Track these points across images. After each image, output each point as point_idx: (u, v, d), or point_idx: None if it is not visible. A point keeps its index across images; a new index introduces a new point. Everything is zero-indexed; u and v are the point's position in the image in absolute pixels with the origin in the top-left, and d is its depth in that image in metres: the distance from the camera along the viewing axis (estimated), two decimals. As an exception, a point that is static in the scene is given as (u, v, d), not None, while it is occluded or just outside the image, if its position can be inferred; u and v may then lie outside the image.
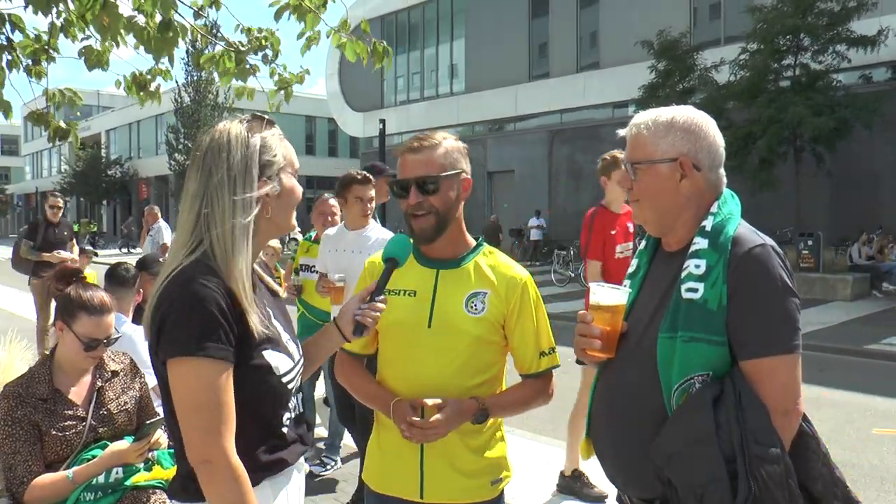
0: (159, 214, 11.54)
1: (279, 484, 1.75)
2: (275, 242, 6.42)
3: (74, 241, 9.28)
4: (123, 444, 2.71)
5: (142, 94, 4.46)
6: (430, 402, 1.98)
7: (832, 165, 16.47)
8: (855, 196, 18.41)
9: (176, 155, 36.67)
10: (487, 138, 28.41)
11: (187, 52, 30.67)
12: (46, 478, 2.60)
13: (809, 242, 15.25)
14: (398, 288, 2.13)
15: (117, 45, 4.06)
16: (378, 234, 4.39)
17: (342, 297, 4.24)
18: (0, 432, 2.61)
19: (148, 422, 2.79)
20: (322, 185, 40.98)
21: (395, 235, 2.10)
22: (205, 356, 1.55)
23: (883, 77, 18.18)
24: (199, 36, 4.33)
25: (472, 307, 2.08)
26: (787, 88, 16.16)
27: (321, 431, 5.49)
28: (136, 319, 4.21)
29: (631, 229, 4.69)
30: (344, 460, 5.25)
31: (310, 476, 5.04)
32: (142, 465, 2.75)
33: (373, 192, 4.43)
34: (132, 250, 33.52)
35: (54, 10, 3.82)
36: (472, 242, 2.20)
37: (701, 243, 1.76)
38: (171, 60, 4.16)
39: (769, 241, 1.75)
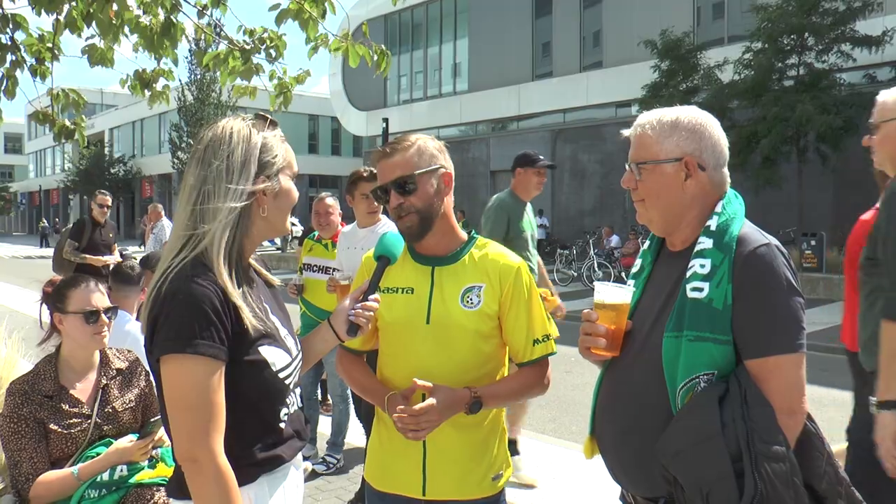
0: (163, 212, 11.57)
1: (276, 480, 1.75)
2: None
3: (115, 244, 8.84)
4: (128, 441, 2.72)
5: (150, 94, 4.47)
6: (419, 382, 1.97)
7: (836, 165, 16.46)
8: (858, 196, 18.34)
9: (179, 153, 36.71)
10: (490, 137, 28.42)
11: (190, 50, 30.72)
12: (51, 475, 2.62)
13: (812, 242, 15.24)
14: (396, 286, 2.16)
15: (117, 42, 4.07)
16: (388, 230, 4.38)
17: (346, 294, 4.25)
18: (6, 429, 2.63)
19: (152, 419, 2.80)
20: (325, 184, 41.02)
21: (387, 233, 2.11)
22: (196, 353, 1.55)
23: (887, 77, 18.14)
24: (203, 35, 4.34)
25: (468, 301, 2.10)
26: (791, 88, 16.14)
27: (325, 430, 5.49)
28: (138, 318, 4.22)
29: None
30: (347, 459, 5.25)
31: (313, 475, 5.05)
32: (146, 463, 2.76)
33: None
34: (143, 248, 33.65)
35: (58, 9, 3.84)
36: (465, 237, 2.22)
37: (706, 243, 1.77)
38: (174, 61, 4.17)
39: (774, 240, 1.76)
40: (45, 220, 49.20)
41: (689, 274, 1.76)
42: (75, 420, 2.72)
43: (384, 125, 22.50)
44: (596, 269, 17.70)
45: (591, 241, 19.73)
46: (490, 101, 27.87)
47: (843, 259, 2.88)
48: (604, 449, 1.97)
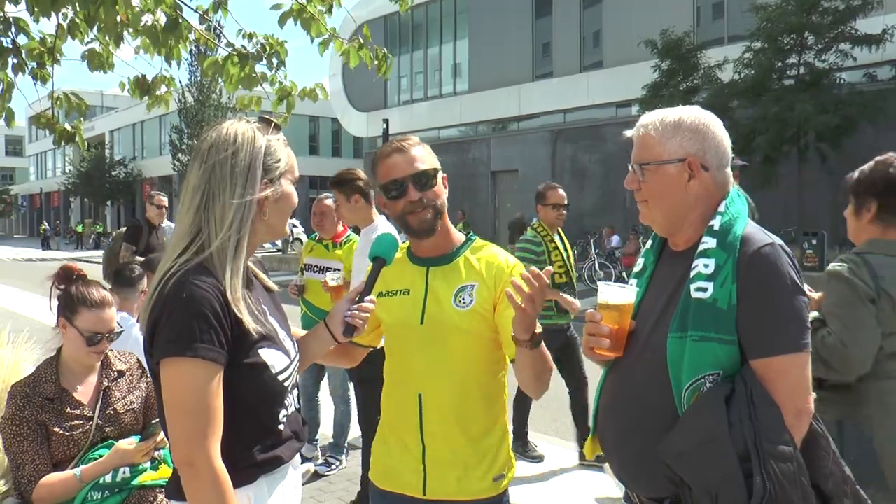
0: (165, 215, 11.56)
1: (275, 481, 1.76)
2: None
3: None
4: (130, 442, 2.72)
5: (150, 100, 4.47)
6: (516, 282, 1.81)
7: (836, 164, 16.44)
8: (859, 195, 18.36)
9: (180, 155, 36.71)
10: (491, 138, 28.41)
11: (191, 52, 30.71)
12: (54, 477, 2.62)
13: (813, 242, 15.21)
14: (394, 289, 2.19)
15: (118, 46, 4.07)
16: (383, 230, 4.34)
17: (340, 296, 4.25)
18: (8, 432, 2.63)
19: (154, 421, 2.80)
20: (325, 186, 40.98)
21: (380, 235, 2.12)
22: (195, 357, 1.55)
23: (887, 76, 18.14)
24: (204, 40, 4.34)
25: (460, 301, 2.10)
26: (792, 87, 16.14)
27: (326, 432, 5.50)
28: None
29: None
30: (349, 460, 5.26)
31: (315, 476, 5.05)
32: (148, 465, 2.77)
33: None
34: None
35: (60, 13, 3.84)
36: (461, 238, 2.23)
37: (709, 242, 1.77)
38: (179, 62, 4.17)
39: (777, 240, 1.76)
40: (46, 223, 49.24)
41: (692, 274, 1.76)
42: (77, 422, 2.72)
43: (384, 126, 22.48)
44: (597, 269, 17.71)
45: (591, 241, 19.72)
46: (490, 101, 27.86)
47: None
48: (606, 449, 1.97)
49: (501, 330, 2.11)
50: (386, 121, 22.76)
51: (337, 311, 1.99)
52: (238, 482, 1.63)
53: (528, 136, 27.16)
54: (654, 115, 1.89)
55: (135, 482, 2.70)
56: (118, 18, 3.68)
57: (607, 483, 4.58)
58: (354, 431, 5.29)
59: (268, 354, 1.69)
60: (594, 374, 2.10)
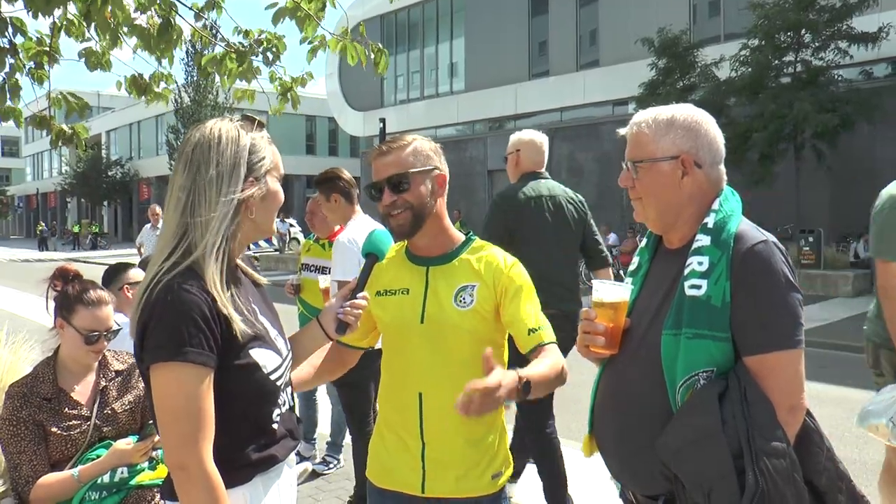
0: (161, 214, 11.57)
1: (270, 480, 1.76)
2: None
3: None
4: (128, 443, 2.72)
5: (149, 96, 4.46)
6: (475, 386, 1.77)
7: (833, 162, 16.48)
8: (856, 192, 18.38)
9: (176, 155, 36.64)
10: (487, 137, 28.40)
11: (187, 52, 30.66)
12: (51, 477, 2.62)
13: (810, 239, 15.25)
14: (393, 288, 2.19)
15: (116, 45, 4.06)
16: (359, 228, 4.18)
17: (329, 297, 4.26)
18: (5, 432, 2.63)
19: (151, 421, 2.80)
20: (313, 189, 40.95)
21: (374, 230, 2.11)
22: (185, 361, 1.55)
23: (883, 73, 18.18)
24: (200, 37, 4.33)
25: (460, 301, 2.10)
26: (788, 85, 16.17)
27: (324, 430, 5.50)
28: None
29: None
30: (346, 459, 5.26)
31: (313, 475, 5.06)
32: (146, 465, 2.77)
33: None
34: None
35: (56, 12, 3.83)
36: (461, 238, 2.23)
37: (703, 240, 1.77)
38: (170, 61, 4.17)
39: (771, 237, 1.77)
40: (43, 224, 49.15)
41: (687, 271, 1.76)
42: (74, 422, 2.72)
43: (381, 125, 22.49)
44: (594, 267, 17.67)
45: (588, 239, 19.70)
46: (487, 100, 27.86)
47: None
48: (603, 447, 1.98)
49: (511, 329, 2.13)
50: (382, 120, 22.76)
51: (330, 308, 2.00)
52: (233, 482, 1.64)
53: (525, 134, 27.15)
54: (648, 114, 1.90)
55: (132, 482, 2.70)
56: (108, 20, 3.67)
57: (604, 481, 4.58)
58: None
59: (259, 354, 1.69)
60: (590, 372, 2.11)
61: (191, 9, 4.22)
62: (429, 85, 31.51)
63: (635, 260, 2.07)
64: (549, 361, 2.00)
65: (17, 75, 4.07)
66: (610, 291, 1.88)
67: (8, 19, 3.91)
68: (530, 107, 26.60)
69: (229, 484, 1.62)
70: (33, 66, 4.09)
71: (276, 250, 27.59)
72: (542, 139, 4.35)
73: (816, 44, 16.12)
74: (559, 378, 2.00)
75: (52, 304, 2.84)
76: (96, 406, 2.80)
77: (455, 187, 2.31)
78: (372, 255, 2.07)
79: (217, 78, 4.41)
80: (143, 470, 2.75)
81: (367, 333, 2.30)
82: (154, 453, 2.81)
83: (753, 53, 16.65)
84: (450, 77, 30.45)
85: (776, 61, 16.45)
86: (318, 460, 5.22)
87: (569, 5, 25.45)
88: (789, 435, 1.64)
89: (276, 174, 1.79)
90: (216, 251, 1.65)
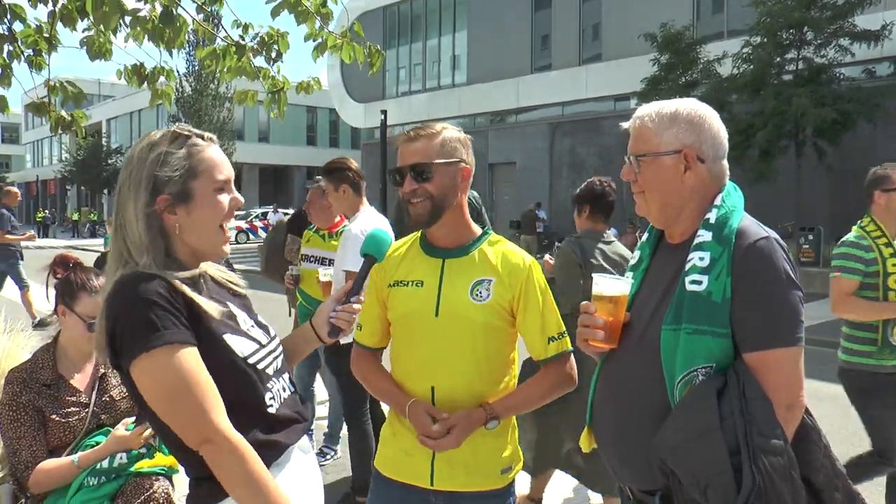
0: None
1: (280, 467, 1.72)
2: None
3: None
4: (125, 422, 2.73)
5: (152, 94, 4.45)
6: (445, 415, 2.03)
7: (833, 160, 16.46)
8: (856, 191, 18.33)
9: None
10: (489, 130, 28.36)
11: (188, 41, 30.53)
12: (50, 463, 2.63)
13: (810, 237, 15.24)
14: (406, 279, 2.17)
15: (115, 35, 4.04)
16: (365, 221, 4.19)
17: (329, 292, 4.24)
18: (5, 417, 2.63)
19: None
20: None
21: (372, 231, 2.07)
22: (164, 343, 1.53)
23: (886, 72, 18.14)
24: (202, 30, 4.31)
25: (476, 295, 2.10)
26: (790, 82, 16.14)
27: (322, 422, 5.50)
28: None
29: None
30: (343, 450, 5.26)
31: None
32: (145, 451, 2.77)
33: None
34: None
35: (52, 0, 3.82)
36: (478, 231, 2.22)
37: (705, 236, 1.77)
38: (180, 49, 4.14)
39: (773, 233, 1.76)
40: (46, 211, 49.07)
41: (688, 267, 1.76)
42: (73, 409, 2.72)
43: (382, 117, 22.42)
44: (593, 262, 17.68)
45: (588, 234, 19.72)
46: (489, 93, 27.81)
47: None
48: (601, 441, 1.98)
49: (524, 335, 2.16)
50: (384, 112, 22.67)
51: (323, 310, 1.96)
52: None
53: (527, 128, 27.12)
54: (651, 107, 1.89)
55: (131, 469, 2.71)
56: (105, 9, 3.65)
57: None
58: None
59: (232, 340, 1.67)
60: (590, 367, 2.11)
61: (193, 0, 4.20)
62: (430, 77, 31.44)
63: (636, 254, 2.06)
64: (545, 387, 2.18)
65: (15, 62, 4.06)
66: (610, 285, 1.87)
67: (7, 6, 3.89)
68: (532, 101, 26.56)
69: None
70: (31, 53, 4.07)
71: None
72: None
73: (818, 41, 16.08)
74: (553, 395, 2.20)
75: (52, 291, 2.84)
76: (95, 393, 2.80)
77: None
78: (370, 257, 2.02)
79: (218, 70, 4.39)
80: (142, 457, 2.75)
81: (378, 332, 2.27)
82: (152, 440, 2.82)
83: (755, 51, 16.61)
84: (452, 70, 30.38)
85: (778, 58, 16.41)
86: (315, 451, 5.22)
87: (572, -1, 25.41)
88: (787, 432, 1.64)
89: (211, 186, 1.70)
90: (152, 261, 1.63)
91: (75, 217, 46.64)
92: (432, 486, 2.12)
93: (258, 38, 4.24)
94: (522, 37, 27.01)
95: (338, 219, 5.02)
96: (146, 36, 3.95)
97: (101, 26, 3.85)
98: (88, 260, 3.15)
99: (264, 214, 34.65)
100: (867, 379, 3.76)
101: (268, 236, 6.34)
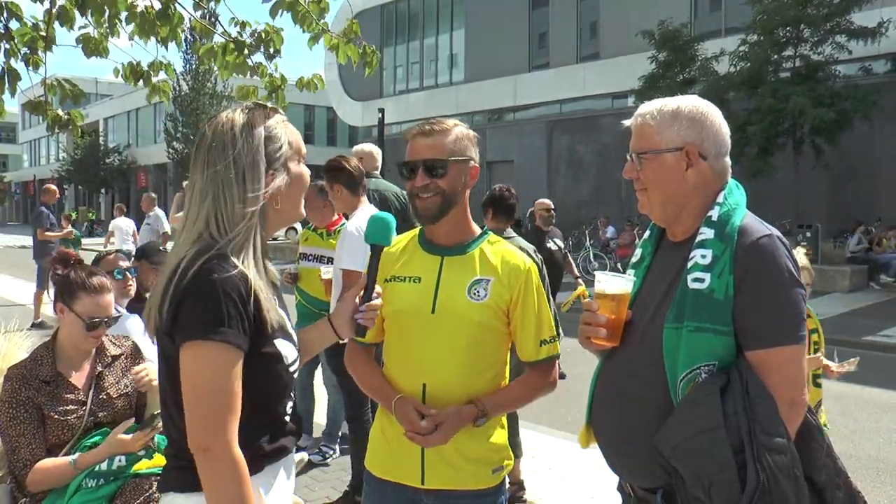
0: (156, 202, 11.54)
1: (278, 469, 1.76)
2: None
3: None
4: (124, 430, 2.72)
5: (149, 90, 4.43)
6: (433, 411, 2.03)
7: (831, 157, 16.48)
8: (853, 188, 18.42)
9: (174, 143, 36.57)
10: (487, 128, 28.36)
11: (186, 40, 30.48)
12: (49, 462, 2.62)
13: (808, 234, 15.26)
14: (403, 275, 2.15)
15: (112, 33, 4.03)
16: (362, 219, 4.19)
17: (330, 290, 4.23)
18: (4, 414, 2.62)
19: (154, 412, 2.79)
20: (320, 175, 40.93)
21: (374, 216, 2.01)
22: (221, 341, 1.53)
23: (883, 69, 18.16)
24: (199, 27, 4.30)
25: (474, 294, 2.10)
26: (787, 79, 16.15)
27: (320, 420, 5.49)
28: (134, 311, 4.18)
29: None
30: (342, 450, 5.26)
31: (309, 465, 5.05)
32: (143, 453, 2.76)
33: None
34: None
35: None
36: (478, 230, 2.22)
37: (707, 233, 1.76)
38: (178, 43, 4.12)
39: (775, 231, 1.76)
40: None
41: (690, 264, 1.75)
42: (72, 407, 2.71)
43: (380, 116, 22.39)
44: (592, 259, 17.72)
45: (587, 231, 19.74)
46: (486, 91, 27.80)
47: None
48: (602, 439, 1.97)
49: (516, 336, 2.16)
50: (381, 110, 22.65)
51: (343, 310, 1.93)
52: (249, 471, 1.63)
53: (524, 126, 27.12)
54: (653, 105, 1.89)
55: (130, 470, 2.70)
56: (103, 7, 3.64)
57: (601, 474, 4.59)
58: (349, 420, 5.30)
59: (282, 345, 1.69)
60: (589, 364, 2.11)
61: (190, -2, 4.19)
62: (428, 75, 31.43)
63: (638, 252, 2.06)
64: (528, 388, 2.21)
65: (12, 60, 4.04)
66: (612, 283, 1.87)
67: (3, 3, 3.88)
68: (530, 99, 26.56)
69: None
70: (28, 51, 4.05)
71: (272, 238, 27.55)
72: (378, 151, 5.74)
73: (815, 39, 16.09)
74: (534, 397, 2.23)
75: (52, 289, 2.84)
76: (92, 391, 2.79)
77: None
78: (377, 246, 1.97)
79: (216, 68, 4.37)
80: (141, 458, 2.74)
81: (381, 329, 2.24)
82: (152, 442, 2.81)
83: (752, 48, 16.61)
84: (449, 68, 30.37)
85: (775, 56, 16.42)
86: (314, 450, 5.21)
87: (569, -3, 25.41)
88: (790, 430, 1.64)
89: (298, 157, 1.76)
90: (244, 244, 1.63)
91: (73, 215, 46.53)
92: (423, 485, 2.11)
93: (255, 35, 4.22)
94: (520, 35, 27.00)
95: (336, 217, 5.01)
96: (141, 30, 3.94)
97: (99, 21, 3.83)
98: (87, 259, 3.14)
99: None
100: None
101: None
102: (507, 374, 2.25)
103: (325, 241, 4.95)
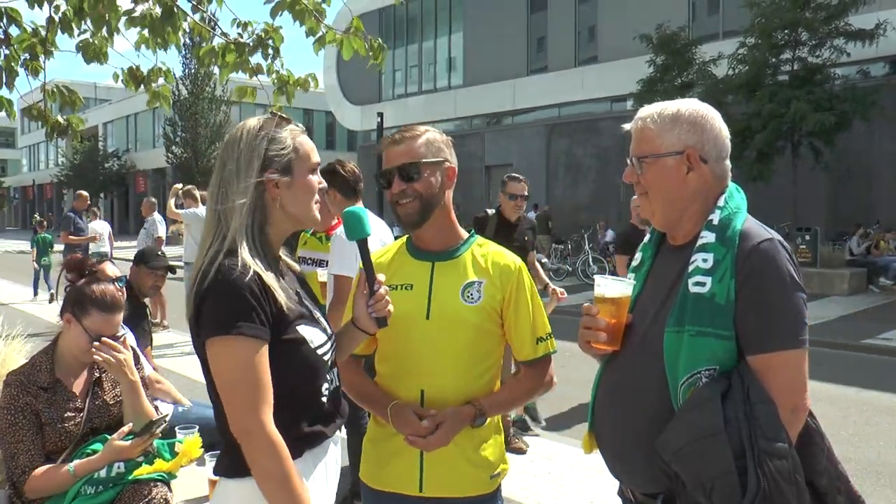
0: (155, 207, 11.53)
1: (318, 456, 1.83)
2: None
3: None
4: (122, 432, 2.72)
5: (150, 96, 4.44)
6: (432, 412, 2.03)
7: (830, 160, 16.50)
8: (852, 191, 18.44)
9: (173, 148, 36.55)
10: (485, 132, 28.38)
11: (184, 43, 30.48)
12: (48, 469, 2.61)
13: (807, 237, 15.28)
14: (395, 283, 2.15)
15: (111, 41, 4.03)
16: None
17: (325, 293, 4.24)
18: (3, 421, 2.61)
19: (152, 419, 2.79)
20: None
21: (346, 212, 1.98)
22: (238, 334, 1.64)
23: (881, 72, 18.19)
24: (199, 30, 4.30)
25: (468, 297, 2.10)
26: (786, 83, 16.17)
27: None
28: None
29: None
30: (341, 453, 5.25)
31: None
32: (142, 458, 2.76)
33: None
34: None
35: (51, 5, 3.80)
36: (465, 234, 2.23)
37: (708, 237, 1.76)
38: (178, 47, 4.13)
39: (776, 235, 1.75)
40: (51, 214, 48.98)
41: (691, 268, 1.75)
42: (70, 413, 2.71)
43: (379, 120, 22.41)
44: (591, 263, 17.74)
45: (585, 235, 19.75)
46: (485, 95, 27.82)
47: None
48: (603, 444, 1.97)
49: (512, 336, 2.16)
50: (380, 115, 22.67)
51: (360, 312, 1.97)
52: None
53: (523, 130, 27.14)
54: (652, 108, 1.88)
55: (129, 477, 2.69)
56: (102, 16, 3.64)
57: (600, 478, 4.58)
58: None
59: (305, 330, 1.78)
60: (590, 369, 2.10)
61: (189, 0, 4.19)
62: (427, 79, 31.46)
63: (638, 255, 2.05)
64: (525, 387, 2.21)
65: (12, 65, 4.04)
66: (612, 287, 1.86)
67: (3, 9, 3.88)
68: (528, 102, 26.58)
69: None
70: (28, 57, 4.05)
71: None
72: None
73: (813, 42, 16.12)
74: (532, 396, 2.24)
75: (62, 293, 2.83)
76: (89, 398, 2.79)
77: (452, 183, 2.29)
78: (361, 241, 1.97)
79: (216, 70, 4.38)
80: (141, 464, 2.74)
81: (372, 340, 2.21)
82: (152, 448, 2.81)
83: (750, 51, 16.64)
84: (448, 72, 30.40)
85: (773, 59, 16.45)
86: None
87: (568, 1, 25.42)
88: (791, 435, 1.63)
89: (307, 165, 1.85)
90: (247, 232, 1.74)
91: (37, 218, 46.43)
92: (421, 492, 2.10)
93: (255, 36, 4.23)
94: (519, 38, 27.04)
95: (335, 221, 5.01)
96: (141, 31, 3.94)
97: (100, 29, 3.83)
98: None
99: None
100: None
101: None
102: (499, 377, 2.25)
103: (324, 245, 4.94)
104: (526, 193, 5.86)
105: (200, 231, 1.91)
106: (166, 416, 2.88)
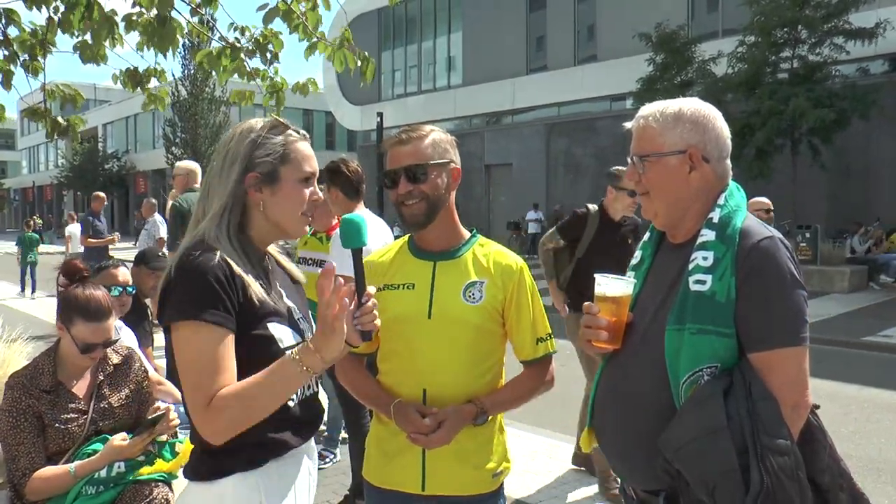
0: (156, 209, 11.52)
1: (285, 468, 1.75)
2: None
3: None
4: (123, 438, 2.71)
5: (147, 98, 4.45)
6: (434, 409, 2.03)
7: (829, 158, 16.49)
8: (852, 188, 18.43)
9: (173, 149, 36.54)
10: (485, 131, 28.37)
11: (184, 45, 30.48)
12: (48, 471, 2.61)
13: (807, 235, 15.27)
14: (396, 283, 2.15)
15: (112, 46, 4.04)
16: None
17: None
18: (5, 423, 2.61)
19: (150, 416, 2.79)
20: (319, 179, 40.86)
21: (344, 218, 1.87)
22: (201, 320, 1.60)
23: (880, 70, 18.18)
24: (197, 33, 4.31)
25: (469, 297, 2.10)
26: (785, 81, 16.17)
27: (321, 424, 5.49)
28: (132, 318, 4.17)
29: None
30: (342, 453, 5.25)
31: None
32: (143, 458, 2.76)
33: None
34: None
35: (51, 6, 3.81)
36: (467, 234, 2.23)
37: (708, 235, 1.76)
38: (174, 52, 4.14)
39: (776, 233, 1.75)
40: (37, 217, 48.97)
41: (691, 266, 1.75)
42: (72, 416, 2.71)
43: (378, 120, 22.39)
44: (591, 262, 17.69)
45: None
46: (484, 94, 27.82)
47: None
48: (604, 442, 1.97)
49: (513, 336, 2.17)
50: (380, 114, 22.63)
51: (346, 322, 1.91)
52: (245, 464, 1.66)
53: (523, 129, 27.13)
54: (654, 107, 1.88)
55: (130, 477, 2.69)
56: (93, 26, 3.65)
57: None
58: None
59: (276, 329, 1.72)
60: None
61: (188, 3, 4.19)
62: (426, 79, 31.45)
63: (638, 254, 2.05)
64: (530, 386, 2.20)
65: (11, 66, 4.05)
66: (613, 285, 1.86)
67: (1, 10, 3.88)
68: (528, 101, 26.58)
69: (241, 467, 1.65)
70: (27, 58, 4.06)
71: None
72: (198, 168, 6.25)
73: (813, 40, 16.11)
74: (533, 395, 2.22)
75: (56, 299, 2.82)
76: (93, 400, 2.78)
77: (453, 182, 2.28)
78: (355, 250, 1.85)
79: (215, 73, 4.38)
80: (142, 464, 2.74)
81: (375, 337, 2.17)
82: (151, 447, 2.80)
83: (750, 50, 16.63)
84: (447, 71, 30.39)
85: (772, 57, 16.44)
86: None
87: (567, 0, 25.41)
88: (793, 432, 1.63)
89: (298, 174, 1.80)
90: (222, 229, 1.72)
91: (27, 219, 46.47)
92: (424, 491, 2.11)
93: (253, 40, 4.23)
94: (518, 38, 27.03)
95: (336, 221, 5.01)
96: (140, 35, 3.95)
97: (99, 39, 3.84)
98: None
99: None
100: None
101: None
102: (504, 374, 2.25)
103: (324, 246, 4.95)
104: None
105: None
106: (164, 413, 2.86)
